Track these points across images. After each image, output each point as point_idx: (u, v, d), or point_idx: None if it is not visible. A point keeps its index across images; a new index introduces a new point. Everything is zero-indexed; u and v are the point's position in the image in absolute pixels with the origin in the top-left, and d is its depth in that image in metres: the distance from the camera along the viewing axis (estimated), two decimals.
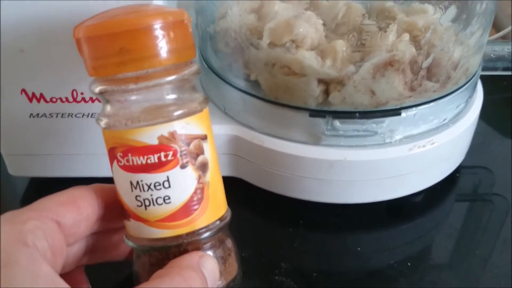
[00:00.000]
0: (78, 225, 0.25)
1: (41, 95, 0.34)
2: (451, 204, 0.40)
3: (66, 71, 0.33)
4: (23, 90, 0.34)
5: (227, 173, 0.39)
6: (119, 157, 0.25)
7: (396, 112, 0.34)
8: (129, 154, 0.24)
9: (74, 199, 0.25)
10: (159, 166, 0.24)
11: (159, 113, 0.24)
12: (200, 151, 0.25)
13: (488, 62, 0.42)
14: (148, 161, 0.24)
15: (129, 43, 0.23)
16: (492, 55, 0.42)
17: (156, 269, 0.24)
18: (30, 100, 0.34)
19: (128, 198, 0.25)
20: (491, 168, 0.43)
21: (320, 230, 0.37)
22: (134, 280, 0.27)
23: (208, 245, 0.26)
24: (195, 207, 0.25)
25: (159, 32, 0.24)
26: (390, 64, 0.32)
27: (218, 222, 0.26)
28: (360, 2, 0.34)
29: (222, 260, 0.26)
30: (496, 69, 0.43)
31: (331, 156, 0.35)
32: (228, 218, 0.27)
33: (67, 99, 0.34)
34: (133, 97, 0.25)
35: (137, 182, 0.25)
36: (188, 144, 0.25)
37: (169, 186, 0.25)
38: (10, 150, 0.37)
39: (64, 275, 0.23)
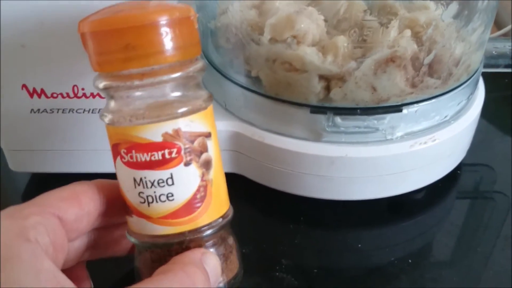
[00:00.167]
0: (80, 220, 0.25)
1: (42, 91, 0.34)
2: (452, 201, 0.40)
3: (67, 66, 0.33)
4: (24, 86, 0.34)
5: (227, 170, 0.38)
6: (122, 154, 0.25)
7: (397, 108, 0.34)
8: (133, 151, 0.24)
9: (76, 194, 0.25)
10: (163, 163, 0.24)
11: (163, 110, 0.24)
12: (204, 149, 0.25)
13: (490, 59, 0.42)
14: (152, 158, 0.24)
15: (135, 39, 0.23)
16: (493, 52, 0.42)
17: (158, 266, 0.24)
18: (31, 95, 0.34)
19: (131, 195, 0.25)
20: (492, 166, 0.43)
21: (321, 227, 0.37)
22: (136, 276, 0.27)
23: (210, 242, 0.26)
24: (198, 204, 0.25)
25: (165, 29, 0.24)
26: (391, 60, 0.32)
27: (220, 220, 0.26)
28: None
29: (224, 258, 0.26)
30: (497, 66, 0.42)
31: (332, 153, 0.35)
32: (230, 216, 0.27)
33: (68, 94, 0.34)
34: (138, 94, 0.25)
35: (141, 179, 0.25)
36: (192, 142, 0.25)
37: (173, 183, 0.25)
38: (11, 145, 0.37)
39: (66, 271, 0.23)
